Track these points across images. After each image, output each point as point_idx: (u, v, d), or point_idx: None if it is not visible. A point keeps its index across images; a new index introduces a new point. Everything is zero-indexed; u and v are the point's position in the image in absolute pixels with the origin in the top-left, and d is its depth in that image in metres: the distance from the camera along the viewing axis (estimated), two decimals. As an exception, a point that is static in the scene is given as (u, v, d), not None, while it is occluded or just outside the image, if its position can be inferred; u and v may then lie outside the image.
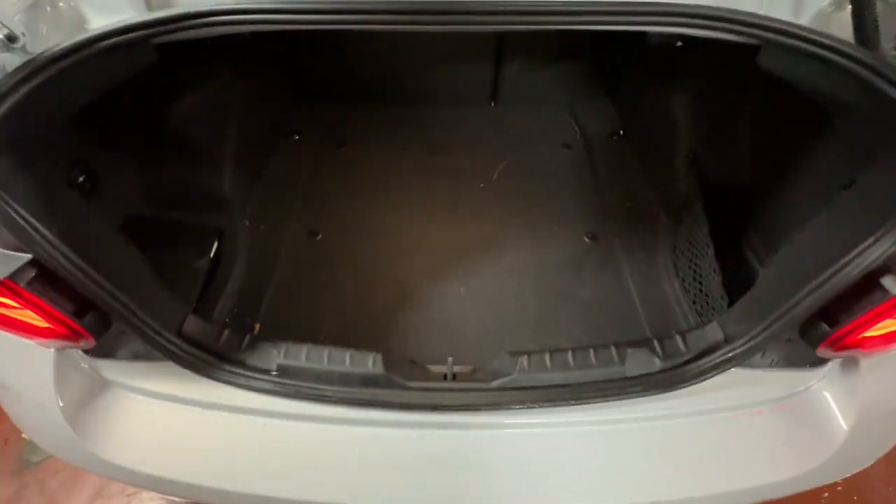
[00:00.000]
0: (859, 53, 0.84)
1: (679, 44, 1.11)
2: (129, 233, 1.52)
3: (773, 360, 0.97)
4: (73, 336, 0.89)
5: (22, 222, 0.78)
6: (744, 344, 0.92)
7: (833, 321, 0.84)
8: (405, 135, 2.06)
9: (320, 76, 2.11)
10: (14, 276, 0.80)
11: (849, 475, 0.96)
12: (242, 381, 0.99)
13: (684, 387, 0.95)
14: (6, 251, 0.82)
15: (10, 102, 0.85)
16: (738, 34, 0.91)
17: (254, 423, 0.98)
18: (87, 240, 0.89)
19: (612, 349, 1.01)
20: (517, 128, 2.09)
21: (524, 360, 1.00)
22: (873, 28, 0.83)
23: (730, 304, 1.25)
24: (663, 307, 1.44)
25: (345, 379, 0.99)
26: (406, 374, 1.01)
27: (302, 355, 1.02)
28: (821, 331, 0.85)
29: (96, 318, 0.92)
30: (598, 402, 0.95)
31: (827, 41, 0.85)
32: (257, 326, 1.43)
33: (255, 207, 1.75)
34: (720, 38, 0.93)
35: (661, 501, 0.92)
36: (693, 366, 0.96)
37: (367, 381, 0.99)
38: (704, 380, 0.94)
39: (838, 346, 0.86)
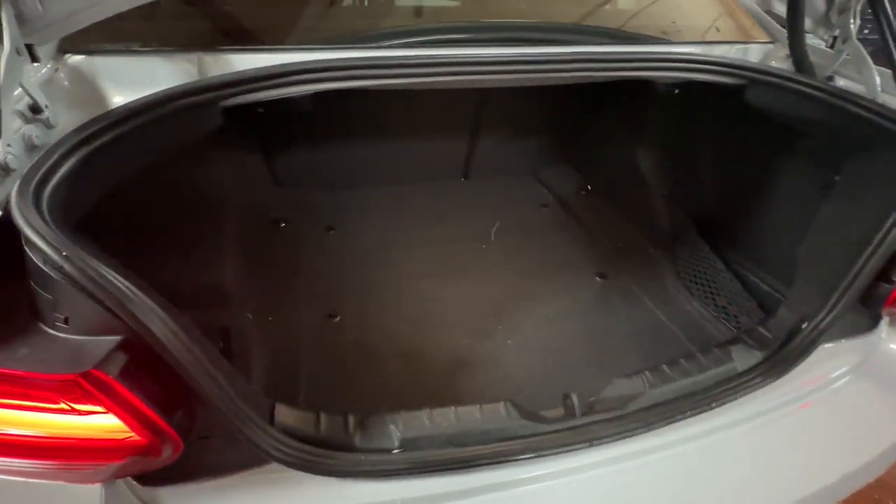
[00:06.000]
0: (818, 83, 1.13)
1: (677, 91, 1.37)
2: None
3: (840, 332, 1.09)
4: (157, 447, 0.67)
5: (124, 287, 0.61)
6: (826, 316, 1.03)
7: (889, 280, 1.00)
8: (389, 214, 2.08)
9: (297, 167, 2.09)
10: (103, 365, 0.60)
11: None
12: (368, 467, 0.81)
13: (793, 369, 1.01)
14: (83, 337, 0.62)
15: (68, 166, 0.72)
16: (733, 76, 1.17)
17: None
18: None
19: (716, 350, 1.05)
20: (493, 196, 2.24)
21: (647, 375, 0.99)
22: (808, 61, 1.18)
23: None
24: (695, 325, 1.55)
25: (483, 437, 0.87)
26: (540, 419, 0.92)
27: (425, 422, 0.88)
28: (883, 290, 1.01)
29: (184, 416, 0.71)
30: (732, 401, 0.96)
31: (794, 76, 1.14)
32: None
33: (256, 300, 1.56)
34: (721, 81, 1.18)
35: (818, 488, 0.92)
36: (788, 349, 1.04)
37: (509, 432, 0.88)
38: (806, 357, 1.02)
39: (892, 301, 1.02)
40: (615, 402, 0.96)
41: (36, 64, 0.86)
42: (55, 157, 0.70)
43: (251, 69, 0.93)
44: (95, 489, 0.70)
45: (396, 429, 0.86)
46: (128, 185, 1.18)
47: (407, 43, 1.26)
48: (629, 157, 1.93)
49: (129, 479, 0.75)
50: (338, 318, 1.55)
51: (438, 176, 2.29)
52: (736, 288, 1.49)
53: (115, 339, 0.63)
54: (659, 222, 1.83)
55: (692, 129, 1.71)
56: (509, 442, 0.86)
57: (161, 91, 0.85)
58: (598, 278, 1.77)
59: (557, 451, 0.85)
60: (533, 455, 0.84)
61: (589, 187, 2.21)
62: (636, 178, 1.91)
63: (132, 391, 0.62)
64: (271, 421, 0.82)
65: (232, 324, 1.41)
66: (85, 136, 0.75)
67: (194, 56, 1.03)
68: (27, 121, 0.85)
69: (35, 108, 0.86)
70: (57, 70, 1.00)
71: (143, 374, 0.64)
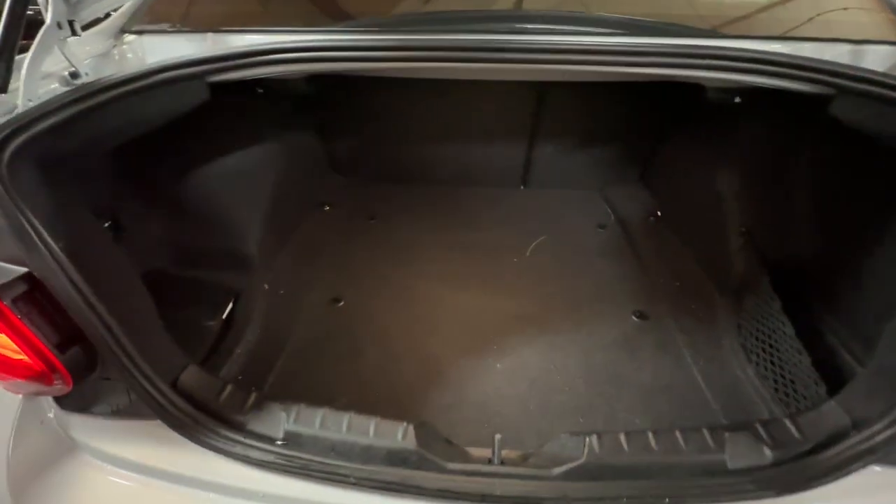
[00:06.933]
0: None
1: (738, 100, 1.09)
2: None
3: (924, 456, 0.74)
4: (47, 375, 0.73)
5: (28, 227, 0.69)
6: (885, 429, 0.71)
7: None
8: (435, 213, 2.04)
9: (354, 155, 2.17)
10: (-1, 290, 0.68)
11: None
12: (239, 449, 0.78)
13: (814, 487, 0.72)
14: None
15: (53, 119, 0.83)
16: (812, 82, 0.87)
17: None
18: (93, 264, 0.78)
19: (705, 432, 0.80)
20: (548, 208, 2.06)
21: (593, 440, 0.79)
22: None
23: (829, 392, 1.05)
24: (739, 396, 1.22)
25: (366, 454, 0.79)
26: (443, 454, 0.80)
27: (316, 421, 0.82)
28: None
29: (80, 355, 0.76)
30: (699, 502, 0.72)
31: None
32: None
33: (276, 272, 1.66)
34: (790, 87, 0.89)
35: None
36: (818, 458, 0.74)
37: (395, 458, 0.78)
38: (839, 478, 0.72)
39: None
40: (543, 461, 0.79)
41: (77, 37, 1.02)
42: (35, 115, 0.82)
43: (238, 48, 0.97)
44: (17, 399, 0.80)
45: (287, 419, 0.83)
46: (179, 150, 1.32)
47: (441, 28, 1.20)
48: (708, 183, 1.60)
49: (51, 399, 0.84)
50: (341, 304, 1.57)
51: (495, 181, 2.19)
52: (803, 362, 1.12)
53: (23, 270, 0.70)
54: (731, 263, 1.48)
55: (783, 152, 1.34)
56: (390, 469, 0.76)
57: (150, 64, 0.94)
58: (634, 317, 1.50)
59: (437, 496, 0.73)
60: (404, 491, 0.73)
61: (658, 213, 1.89)
62: (712, 207, 1.58)
63: (22, 318, 0.69)
64: (175, 381, 0.85)
65: (245, 289, 1.52)
66: (72, 98, 0.86)
67: (220, 36, 1.13)
68: (67, 83, 1.02)
69: (74, 75, 1.02)
70: (115, 46, 1.19)
71: (42, 306, 0.71)
